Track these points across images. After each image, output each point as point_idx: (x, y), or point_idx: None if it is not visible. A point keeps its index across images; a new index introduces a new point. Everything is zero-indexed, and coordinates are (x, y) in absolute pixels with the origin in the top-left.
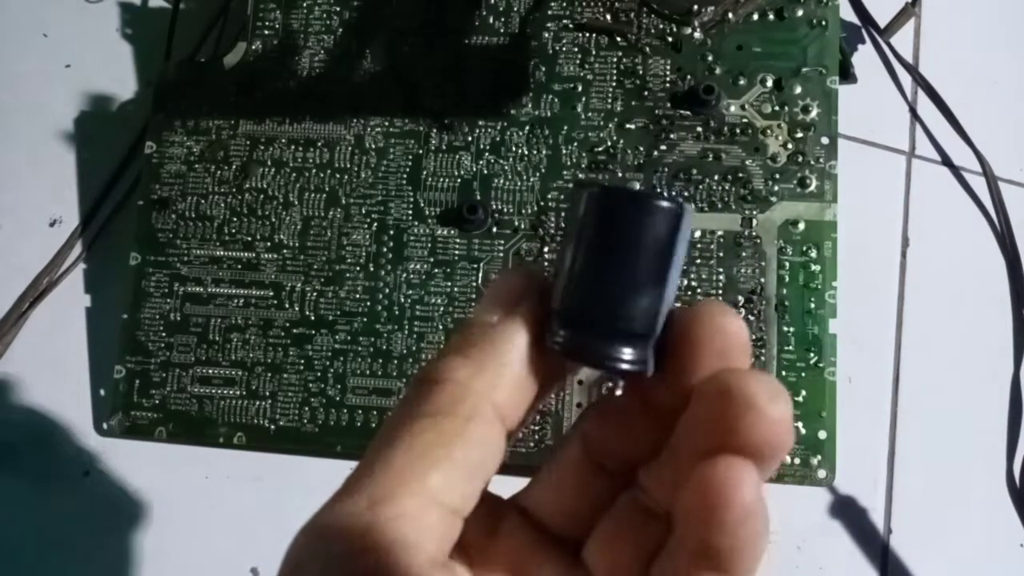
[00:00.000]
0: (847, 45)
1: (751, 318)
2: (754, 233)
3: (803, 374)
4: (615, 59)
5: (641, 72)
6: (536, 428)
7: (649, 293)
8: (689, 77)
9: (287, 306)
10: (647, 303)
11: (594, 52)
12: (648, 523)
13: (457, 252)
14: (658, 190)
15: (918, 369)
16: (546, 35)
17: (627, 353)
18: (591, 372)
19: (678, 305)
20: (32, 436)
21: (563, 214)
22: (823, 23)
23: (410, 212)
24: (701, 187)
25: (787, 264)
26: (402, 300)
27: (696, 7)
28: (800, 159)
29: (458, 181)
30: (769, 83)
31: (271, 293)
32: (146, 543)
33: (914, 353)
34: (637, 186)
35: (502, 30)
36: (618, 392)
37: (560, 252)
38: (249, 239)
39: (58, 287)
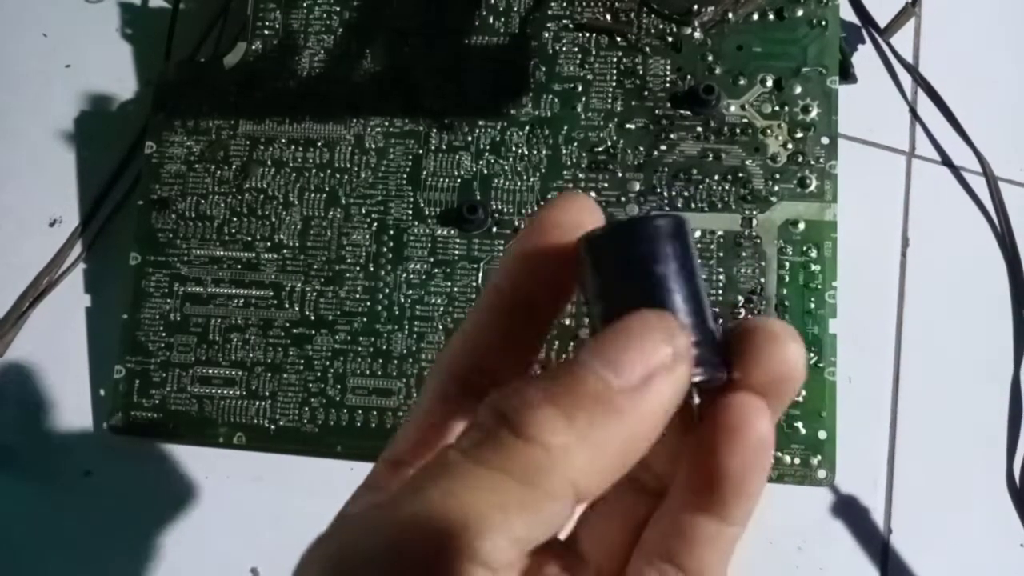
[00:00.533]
0: (847, 45)
1: (751, 318)
2: (754, 233)
3: None
4: (615, 59)
5: (641, 72)
6: None
7: (685, 297)
8: (689, 77)
9: (287, 306)
10: (692, 309)
11: (594, 52)
12: (636, 496)
13: (457, 252)
14: (645, 211)
15: (918, 369)
16: (546, 35)
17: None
18: None
19: (757, 316)
20: (32, 436)
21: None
22: (823, 23)
23: (410, 212)
24: (701, 187)
25: (787, 264)
26: (402, 300)
27: (696, 7)
28: (800, 159)
29: (458, 181)
30: (769, 83)
31: (271, 293)
32: (146, 543)
33: (914, 353)
34: (637, 186)
35: (502, 30)
36: (695, 401)
37: (596, 300)
38: (249, 239)
39: (58, 287)
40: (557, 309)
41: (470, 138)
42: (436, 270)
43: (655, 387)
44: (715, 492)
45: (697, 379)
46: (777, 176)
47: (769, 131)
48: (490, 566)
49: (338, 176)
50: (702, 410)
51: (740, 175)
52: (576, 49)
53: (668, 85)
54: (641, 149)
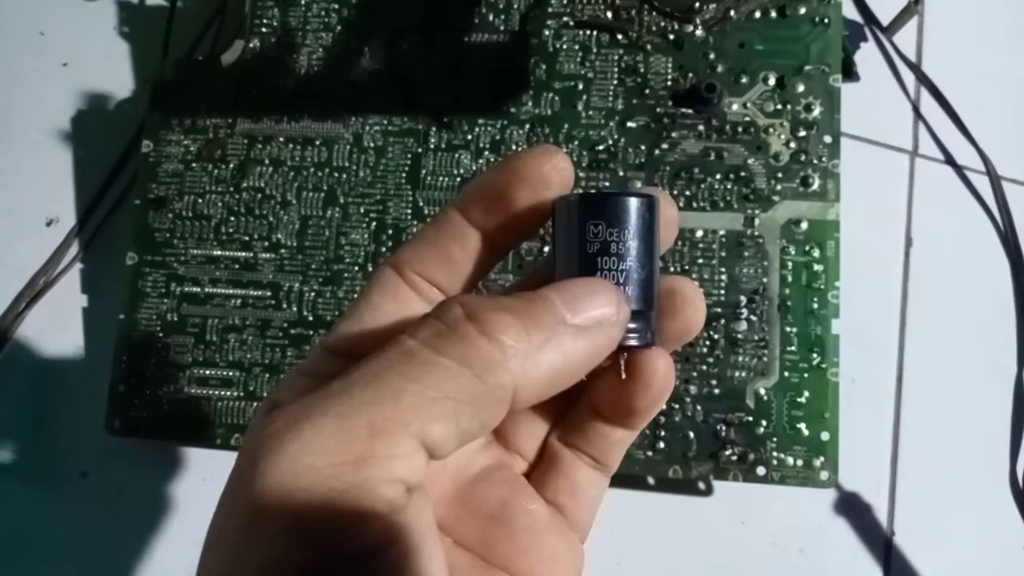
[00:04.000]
0: (850, 43)
1: (753, 318)
2: (756, 233)
3: (806, 375)
4: (616, 57)
5: (642, 70)
6: None
7: (646, 274)
8: (691, 75)
9: (285, 306)
10: (646, 283)
11: (595, 50)
12: (554, 396)
13: None
14: (619, 188)
15: (921, 369)
16: (546, 33)
17: (635, 332)
18: None
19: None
20: (29, 437)
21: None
22: (825, 21)
23: (409, 211)
24: (703, 186)
25: (790, 264)
26: None
27: (698, 4)
28: (803, 158)
29: (457, 180)
30: (771, 81)
31: (269, 293)
32: (144, 544)
33: (917, 353)
34: (639, 185)
35: (502, 28)
36: (621, 362)
37: (555, 253)
38: (247, 239)
39: (55, 287)
40: (499, 249)
41: (470, 136)
42: None
43: (597, 333)
44: (629, 418)
45: (633, 343)
46: (779, 175)
47: (771, 130)
48: (435, 452)
49: (336, 175)
50: (625, 359)
51: (742, 174)
52: (577, 47)
53: (670, 83)
54: (642, 148)
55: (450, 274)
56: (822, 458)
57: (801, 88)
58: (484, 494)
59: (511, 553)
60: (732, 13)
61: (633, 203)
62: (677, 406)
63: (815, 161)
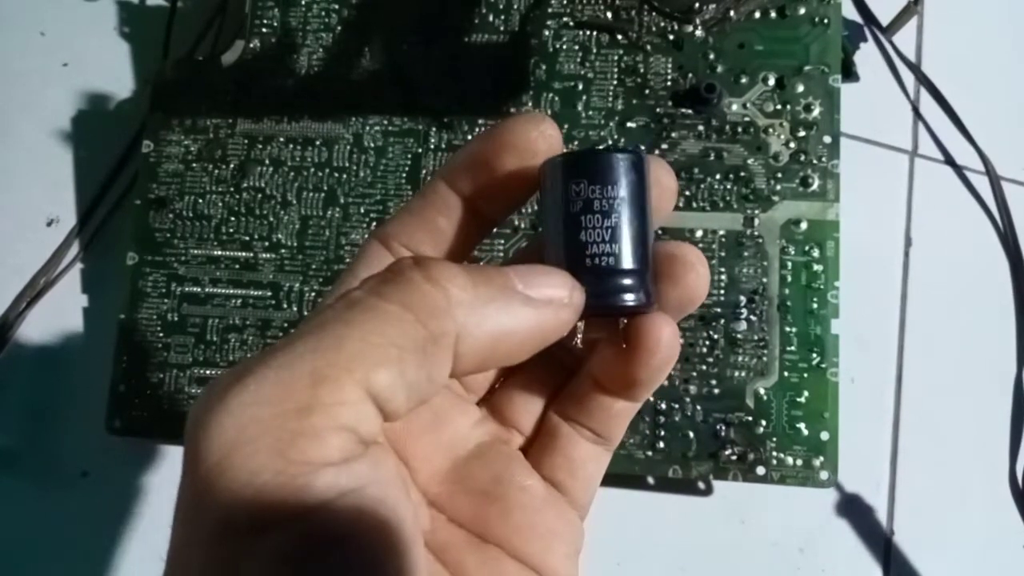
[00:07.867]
0: (849, 43)
1: (753, 318)
2: (756, 233)
3: (806, 375)
4: (616, 57)
5: (642, 70)
6: None
7: (635, 231)
8: (690, 75)
9: (285, 306)
10: (637, 240)
11: (595, 50)
12: (553, 369)
13: None
14: (607, 145)
15: (921, 369)
16: (546, 33)
17: (629, 291)
18: None
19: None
20: (29, 437)
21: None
22: (825, 21)
23: None
24: (703, 186)
25: (789, 264)
26: None
27: (697, 4)
28: (802, 158)
29: None
30: (771, 81)
31: (269, 293)
32: (144, 544)
33: (917, 353)
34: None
35: (502, 28)
36: (620, 327)
37: (543, 218)
38: (247, 239)
39: (55, 287)
40: (488, 220)
41: (470, 136)
42: None
43: (546, 308)
44: (631, 389)
45: (629, 303)
46: (779, 175)
47: (771, 130)
48: (383, 404)
49: (337, 175)
50: (625, 326)
51: (742, 174)
52: (576, 47)
53: (669, 83)
54: (642, 148)
55: (437, 245)
56: (822, 458)
57: (801, 88)
58: (478, 470)
59: (505, 530)
60: (732, 13)
61: (615, 159)
62: (677, 406)
63: (815, 161)
